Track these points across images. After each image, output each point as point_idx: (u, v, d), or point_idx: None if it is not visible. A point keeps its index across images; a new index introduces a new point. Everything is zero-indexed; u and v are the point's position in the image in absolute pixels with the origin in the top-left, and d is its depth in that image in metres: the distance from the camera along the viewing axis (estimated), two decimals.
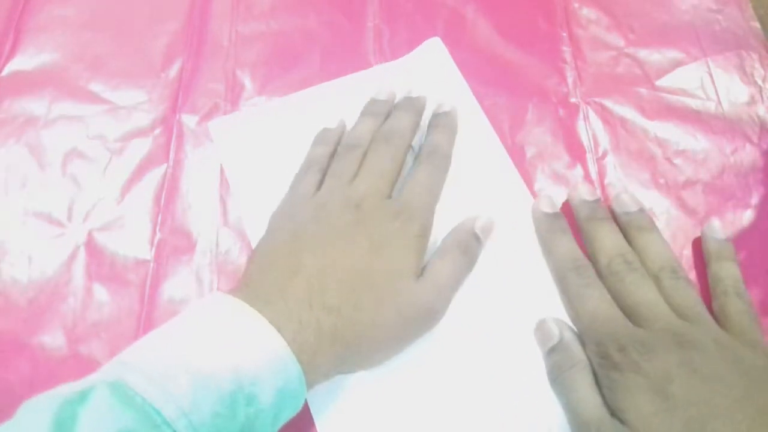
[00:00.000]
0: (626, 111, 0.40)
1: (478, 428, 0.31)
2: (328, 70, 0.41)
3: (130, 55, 0.41)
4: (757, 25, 0.43)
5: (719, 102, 0.40)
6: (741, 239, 0.36)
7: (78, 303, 0.34)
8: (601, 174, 0.38)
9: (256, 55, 0.42)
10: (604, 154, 0.39)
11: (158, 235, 0.36)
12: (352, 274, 0.29)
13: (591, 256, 0.34)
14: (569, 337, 0.32)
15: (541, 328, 0.33)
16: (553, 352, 0.32)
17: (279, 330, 0.26)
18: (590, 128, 0.39)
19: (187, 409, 0.23)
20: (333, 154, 0.36)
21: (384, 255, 0.30)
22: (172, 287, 0.34)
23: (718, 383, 0.28)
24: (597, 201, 0.35)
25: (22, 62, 0.41)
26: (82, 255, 0.35)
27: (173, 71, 0.41)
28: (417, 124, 0.37)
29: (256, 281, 0.29)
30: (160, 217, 0.36)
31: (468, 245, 0.33)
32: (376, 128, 0.36)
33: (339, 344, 0.28)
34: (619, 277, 0.32)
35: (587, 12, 0.43)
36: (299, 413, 0.28)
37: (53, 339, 0.33)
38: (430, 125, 0.37)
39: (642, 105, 0.40)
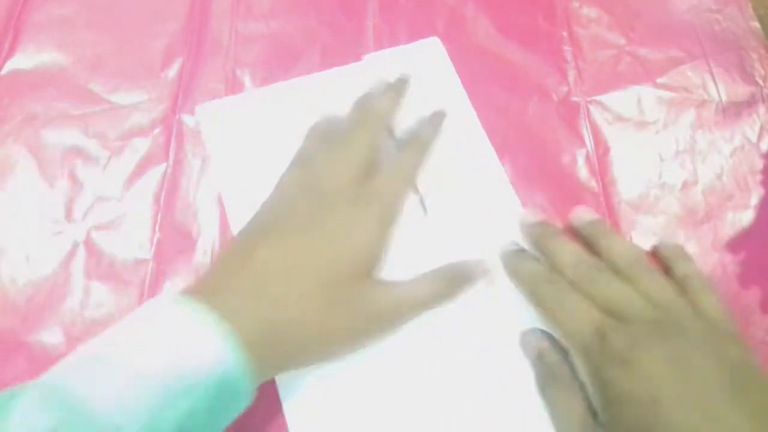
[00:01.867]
0: (627, 110, 0.40)
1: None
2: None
3: (130, 54, 0.41)
4: (757, 25, 0.43)
5: (719, 102, 0.40)
6: (741, 239, 0.36)
7: (76, 302, 0.34)
8: (602, 172, 0.38)
9: (256, 55, 0.42)
10: (605, 153, 0.39)
11: (157, 235, 0.36)
12: (304, 266, 0.28)
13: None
14: (546, 350, 0.32)
15: (523, 342, 0.32)
16: (535, 366, 0.32)
17: (225, 321, 0.25)
18: (591, 127, 0.39)
19: (119, 401, 0.23)
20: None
21: (339, 242, 0.29)
22: (172, 286, 0.34)
23: (704, 377, 0.27)
24: (543, 222, 0.35)
25: (22, 61, 0.41)
26: (81, 254, 0.35)
27: (173, 71, 0.41)
28: (396, 105, 0.36)
29: (209, 274, 0.29)
30: (159, 217, 0.36)
31: (454, 280, 0.32)
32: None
33: (279, 337, 0.27)
34: (588, 280, 0.31)
35: (588, 11, 0.43)
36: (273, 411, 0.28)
37: (52, 337, 0.33)
38: (418, 119, 0.36)
39: (642, 104, 0.40)
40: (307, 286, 0.28)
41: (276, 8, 0.43)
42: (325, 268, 0.29)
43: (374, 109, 0.35)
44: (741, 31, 0.43)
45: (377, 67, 0.40)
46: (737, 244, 0.36)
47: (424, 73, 0.39)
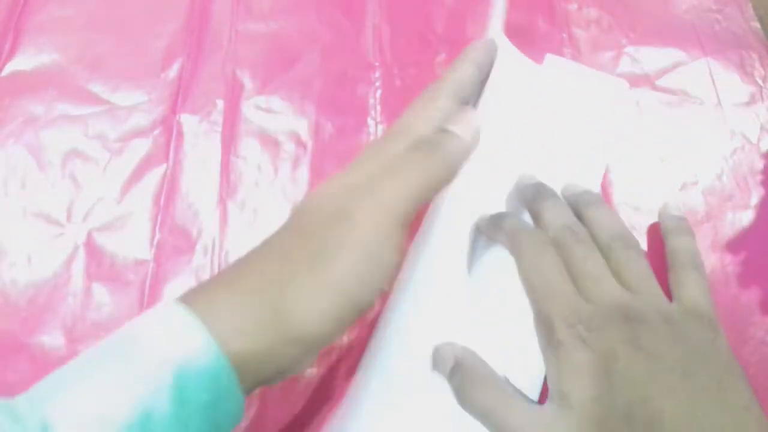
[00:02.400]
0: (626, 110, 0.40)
1: None
2: (328, 70, 0.41)
3: (129, 55, 0.41)
4: (757, 25, 0.43)
5: (719, 102, 0.40)
6: (741, 239, 0.36)
7: (77, 303, 0.34)
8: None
9: (256, 55, 0.42)
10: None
11: (158, 235, 0.36)
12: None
13: None
14: (463, 354, 0.30)
15: (434, 356, 0.31)
16: (453, 374, 0.30)
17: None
18: None
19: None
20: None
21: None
22: (172, 287, 0.34)
23: (662, 360, 0.27)
24: (538, 184, 0.34)
25: (22, 62, 0.41)
26: (81, 255, 0.35)
27: (173, 71, 0.41)
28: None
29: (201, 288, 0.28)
30: (159, 217, 0.36)
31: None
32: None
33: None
34: (567, 248, 0.31)
35: (587, 12, 0.43)
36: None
37: (52, 339, 0.33)
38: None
39: (642, 105, 0.40)
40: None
41: (276, 8, 0.43)
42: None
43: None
44: (741, 31, 0.43)
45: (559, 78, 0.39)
46: (737, 244, 0.36)
47: (590, 110, 0.39)
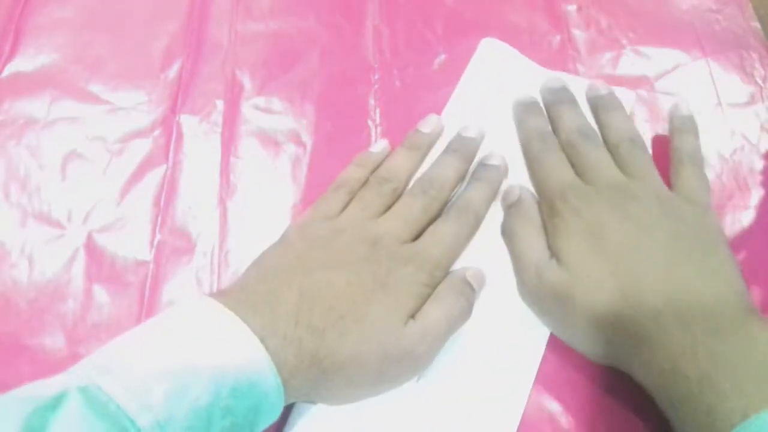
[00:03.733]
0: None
1: None
2: (328, 70, 0.41)
3: (129, 55, 0.41)
4: (757, 25, 0.43)
5: (719, 102, 0.40)
6: (741, 239, 0.36)
7: (78, 304, 0.34)
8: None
9: (256, 56, 0.42)
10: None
11: (158, 236, 0.36)
12: (345, 304, 0.28)
13: (556, 136, 0.37)
14: (527, 197, 0.35)
15: (506, 191, 0.35)
16: (511, 207, 0.34)
17: (262, 341, 0.25)
18: None
19: (162, 420, 0.22)
20: (365, 178, 0.35)
21: (383, 294, 0.29)
22: (172, 288, 0.34)
23: (649, 229, 0.31)
24: (562, 88, 0.38)
25: (22, 63, 0.41)
26: (81, 256, 0.35)
27: (172, 72, 0.41)
28: (463, 174, 0.36)
29: (249, 288, 0.29)
30: (159, 218, 0.36)
31: (462, 290, 0.32)
32: (415, 165, 0.36)
33: (317, 368, 0.27)
34: (575, 147, 0.35)
35: (587, 13, 0.43)
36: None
37: (53, 340, 0.33)
38: (472, 176, 0.36)
39: (642, 105, 0.40)
40: (347, 323, 0.28)
41: (275, 9, 0.43)
42: (367, 313, 0.29)
43: (441, 179, 0.35)
44: (741, 31, 0.43)
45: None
46: (737, 244, 0.36)
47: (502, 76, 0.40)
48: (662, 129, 0.39)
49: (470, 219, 0.34)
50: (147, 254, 0.35)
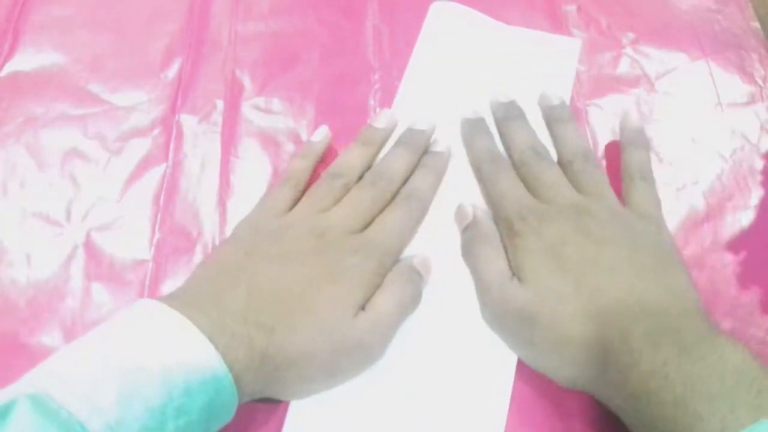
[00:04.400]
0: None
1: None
2: (328, 70, 0.41)
3: (129, 55, 0.41)
4: (757, 25, 0.43)
5: (719, 102, 0.40)
6: (741, 239, 0.36)
7: (77, 303, 0.34)
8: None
9: (256, 56, 0.42)
10: (603, 156, 0.39)
11: (157, 235, 0.36)
12: (294, 297, 0.28)
13: (507, 153, 0.37)
14: (481, 216, 0.34)
15: (458, 211, 0.35)
16: (467, 229, 0.34)
17: (210, 340, 0.25)
18: (590, 130, 0.39)
19: (113, 424, 0.22)
20: (312, 169, 0.36)
21: (332, 285, 0.29)
22: (171, 287, 0.34)
23: (608, 245, 0.30)
24: (510, 102, 0.38)
25: (21, 62, 0.41)
26: (80, 255, 0.35)
27: (172, 71, 0.41)
28: (413, 165, 0.36)
29: (194, 289, 0.29)
30: (159, 217, 0.36)
31: (411, 277, 0.32)
32: (368, 160, 0.36)
33: (268, 365, 0.27)
34: (529, 167, 0.35)
35: (587, 13, 0.43)
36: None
37: (52, 339, 0.33)
38: (419, 164, 0.36)
39: (642, 106, 0.40)
40: (295, 318, 0.28)
41: (275, 8, 0.43)
42: (315, 305, 0.29)
43: (391, 171, 0.35)
44: (741, 31, 0.43)
45: (517, 40, 0.42)
46: (737, 244, 0.36)
47: (545, 67, 0.41)
48: (662, 129, 0.39)
49: (416, 205, 0.34)
50: (146, 253, 0.35)
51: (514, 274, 0.31)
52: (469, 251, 0.33)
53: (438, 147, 0.37)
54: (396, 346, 0.32)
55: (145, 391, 0.23)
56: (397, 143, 0.37)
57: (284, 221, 0.33)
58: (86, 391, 0.23)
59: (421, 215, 0.35)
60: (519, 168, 0.35)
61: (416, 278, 0.32)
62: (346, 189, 0.34)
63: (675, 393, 0.25)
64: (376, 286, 0.31)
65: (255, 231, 0.32)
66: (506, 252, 0.32)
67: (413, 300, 0.32)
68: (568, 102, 0.40)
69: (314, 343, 0.28)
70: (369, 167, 0.36)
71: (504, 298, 0.31)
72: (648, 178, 0.35)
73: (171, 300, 0.27)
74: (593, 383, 0.28)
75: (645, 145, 0.36)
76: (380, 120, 0.38)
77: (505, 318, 0.31)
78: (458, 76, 0.40)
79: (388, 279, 0.31)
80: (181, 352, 0.24)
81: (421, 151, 0.37)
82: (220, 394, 0.25)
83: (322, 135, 0.37)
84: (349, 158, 0.36)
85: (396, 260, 0.33)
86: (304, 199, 0.34)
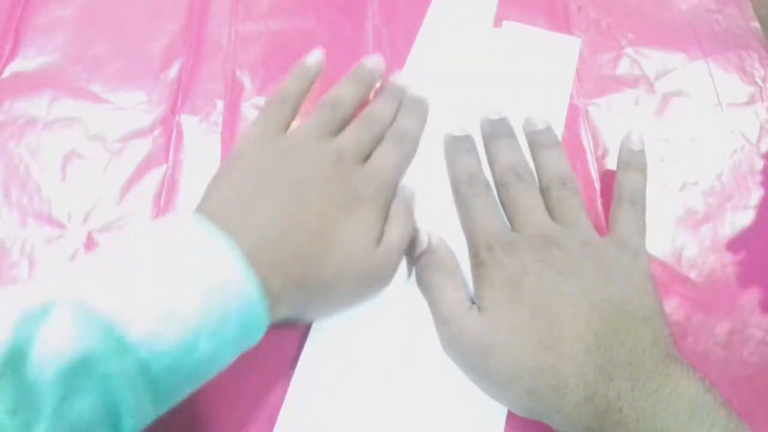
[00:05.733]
0: (626, 112, 0.40)
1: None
2: (328, 71, 0.41)
3: (129, 56, 0.41)
4: (757, 25, 0.43)
5: (719, 102, 0.40)
6: (741, 239, 0.36)
7: None
8: (602, 175, 0.38)
9: (256, 56, 0.42)
10: (604, 155, 0.39)
11: None
12: (324, 228, 0.29)
13: (491, 170, 0.36)
14: (437, 244, 0.34)
15: (414, 240, 0.34)
16: (422, 256, 0.33)
17: (251, 267, 0.25)
18: (590, 129, 0.39)
19: (151, 335, 0.23)
20: (306, 92, 0.36)
21: (354, 217, 0.31)
22: None
23: (571, 275, 0.30)
24: (500, 120, 0.37)
25: (22, 64, 0.41)
26: (82, 256, 0.35)
27: (172, 72, 0.41)
28: (396, 112, 0.37)
29: (223, 209, 0.29)
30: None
31: (410, 210, 0.34)
32: (360, 97, 0.37)
33: (300, 294, 0.28)
34: (508, 188, 0.34)
35: (587, 13, 0.43)
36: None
37: None
38: (401, 107, 0.37)
39: (641, 106, 0.40)
40: (327, 249, 0.29)
41: (275, 9, 0.43)
42: (342, 238, 0.30)
43: (382, 116, 0.36)
44: (741, 31, 0.43)
45: (517, 38, 0.42)
46: (737, 244, 0.36)
47: (545, 65, 0.41)
48: (662, 129, 0.39)
49: (410, 145, 0.36)
50: None
51: (474, 304, 0.31)
52: (423, 280, 0.33)
53: (415, 91, 0.38)
54: (396, 348, 0.32)
55: (185, 310, 0.24)
56: (384, 93, 0.38)
57: (291, 140, 0.33)
58: (129, 299, 0.23)
59: (413, 154, 0.36)
60: (499, 189, 0.35)
61: (412, 211, 0.34)
62: (345, 122, 0.35)
63: (628, 429, 0.25)
64: (384, 218, 0.32)
65: (263, 150, 0.32)
66: (472, 281, 0.32)
67: (412, 231, 0.33)
68: (567, 99, 0.40)
69: (343, 275, 0.29)
70: (361, 106, 0.37)
71: (460, 328, 0.30)
72: (638, 203, 0.34)
73: (210, 216, 0.27)
74: (550, 415, 0.28)
75: (642, 168, 0.35)
76: (369, 61, 0.38)
77: (463, 348, 0.30)
78: (457, 73, 0.40)
79: (393, 211, 0.33)
80: (223, 276, 0.25)
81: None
82: (252, 321, 0.26)
83: (315, 58, 0.37)
84: (347, 92, 0.36)
85: (394, 194, 0.34)
86: (307, 120, 0.34)
